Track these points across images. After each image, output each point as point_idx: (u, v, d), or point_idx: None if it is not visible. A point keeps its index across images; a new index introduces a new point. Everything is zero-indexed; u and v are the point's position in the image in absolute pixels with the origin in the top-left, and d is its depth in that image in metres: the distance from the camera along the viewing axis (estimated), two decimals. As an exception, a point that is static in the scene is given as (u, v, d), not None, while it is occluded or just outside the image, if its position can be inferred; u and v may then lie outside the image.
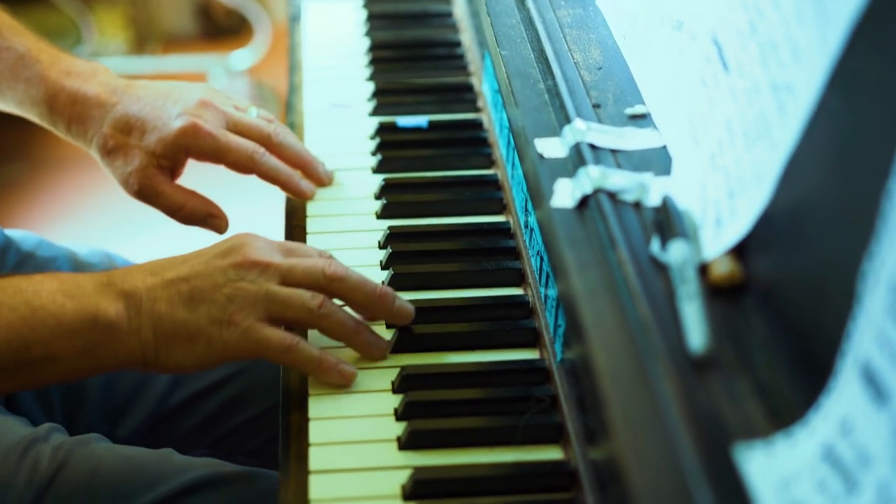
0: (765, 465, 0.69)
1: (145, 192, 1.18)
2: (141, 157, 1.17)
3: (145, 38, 3.17)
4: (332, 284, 1.00)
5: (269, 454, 1.21)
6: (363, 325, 1.02)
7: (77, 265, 1.29)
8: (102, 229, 2.68)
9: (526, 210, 1.08)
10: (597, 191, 0.92)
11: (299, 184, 1.22)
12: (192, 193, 1.20)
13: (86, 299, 0.95)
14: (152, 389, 1.22)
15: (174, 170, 1.19)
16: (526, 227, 1.09)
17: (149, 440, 1.20)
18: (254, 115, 1.22)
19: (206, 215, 1.20)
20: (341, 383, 0.99)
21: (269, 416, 1.22)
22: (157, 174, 1.17)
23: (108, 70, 1.22)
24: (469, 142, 1.31)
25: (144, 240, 2.46)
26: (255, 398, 1.23)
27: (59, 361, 0.95)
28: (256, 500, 1.04)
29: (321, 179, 1.24)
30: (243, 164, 1.18)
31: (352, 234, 1.19)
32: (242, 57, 3.10)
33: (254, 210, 2.03)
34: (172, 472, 1.04)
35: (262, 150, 1.19)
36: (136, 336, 0.95)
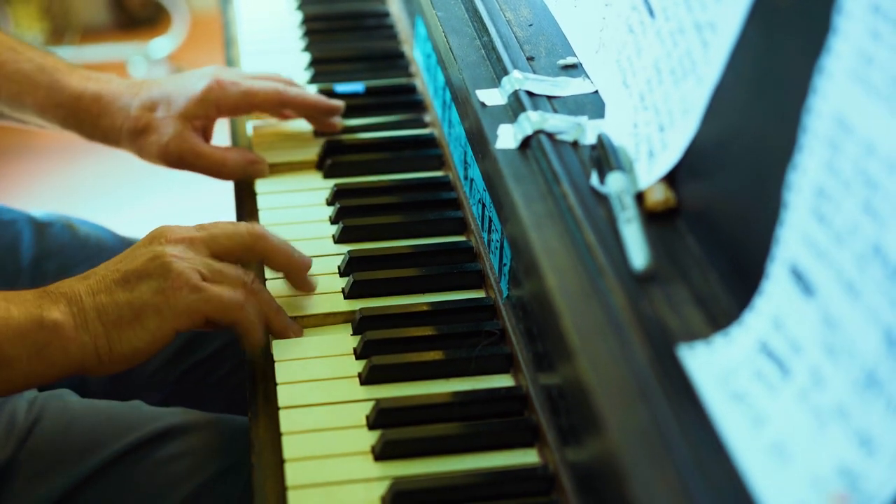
0: (707, 361, 0.77)
1: (186, 157, 1.24)
2: (174, 124, 1.23)
3: (62, 30, 3.18)
4: (258, 243, 1.04)
5: (235, 383, 1.26)
6: (282, 309, 1.05)
7: (37, 227, 1.33)
8: (61, 196, 2.74)
9: (465, 163, 1.15)
10: (537, 132, 0.99)
11: (329, 101, 1.29)
12: (228, 148, 1.26)
13: (29, 304, 0.97)
14: None
15: (206, 131, 1.26)
16: (466, 179, 1.16)
17: (121, 380, 1.24)
18: None
19: (246, 164, 1.25)
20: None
21: (231, 348, 1.27)
22: (193, 136, 1.24)
23: (120, 78, 1.29)
24: (405, 104, 1.38)
25: (103, 206, 2.55)
26: (217, 332, 1.28)
27: (10, 365, 0.95)
28: (222, 444, 1.09)
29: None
30: (273, 100, 1.27)
31: (300, 193, 1.25)
32: (161, 45, 3.12)
33: (205, 196, 2.09)
34: (142, 421, 1.09)
35: (283, 84, 1.27)
36: (84, 331, 0.97)
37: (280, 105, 1.28)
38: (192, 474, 1.05)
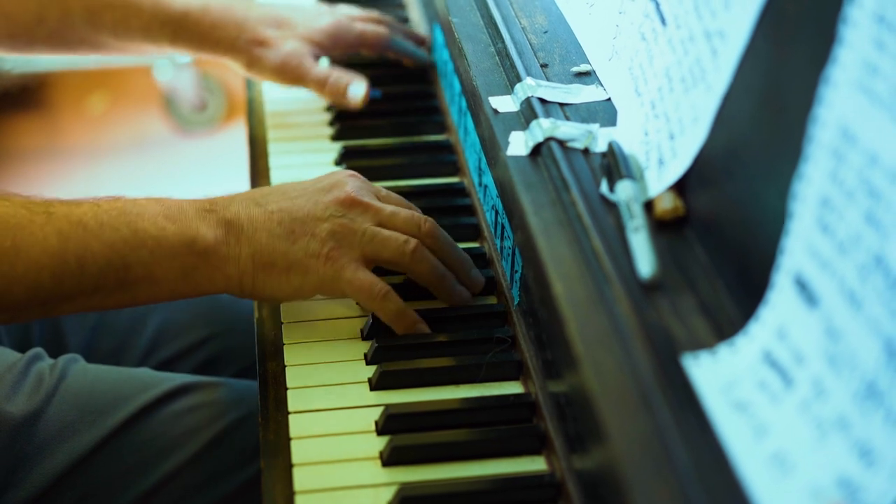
0: (710, 371, 0.77)
1: (300, 71, 1.33)
2: (296, 42, 1.33)
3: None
4: (427, 239, 1.05)
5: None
6: (449, 274, 1.06)
7: None
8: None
9: (479, 170, 1.15)
10: (548, 139, 0.99)
11: (421, 52, 1.43)
12: (333, 70, 1.35)
13: (186, 223, 0.99)
14: (131, 352, 1.28)
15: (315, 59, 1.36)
16: (480, 185, 1.16)
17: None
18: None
19: (347, 85, 1.33)
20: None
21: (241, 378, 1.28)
22: (309, 56, 1.34)
23: None
24: (422, 110, 1.38)
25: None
26: (228, 361, 1.29)
27: (159, 283, 0.99)
28: (236, 398, 1.14)
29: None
30: (379, 45, 1.40)
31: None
32: (187, 49, 3.14)
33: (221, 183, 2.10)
34: (158, 381, 1.13)
35: (388, 28, 1.41)
36: (234, 263, 1.00)
37: (383, 49, 1.40)
38: (210, 424, 1.10)
